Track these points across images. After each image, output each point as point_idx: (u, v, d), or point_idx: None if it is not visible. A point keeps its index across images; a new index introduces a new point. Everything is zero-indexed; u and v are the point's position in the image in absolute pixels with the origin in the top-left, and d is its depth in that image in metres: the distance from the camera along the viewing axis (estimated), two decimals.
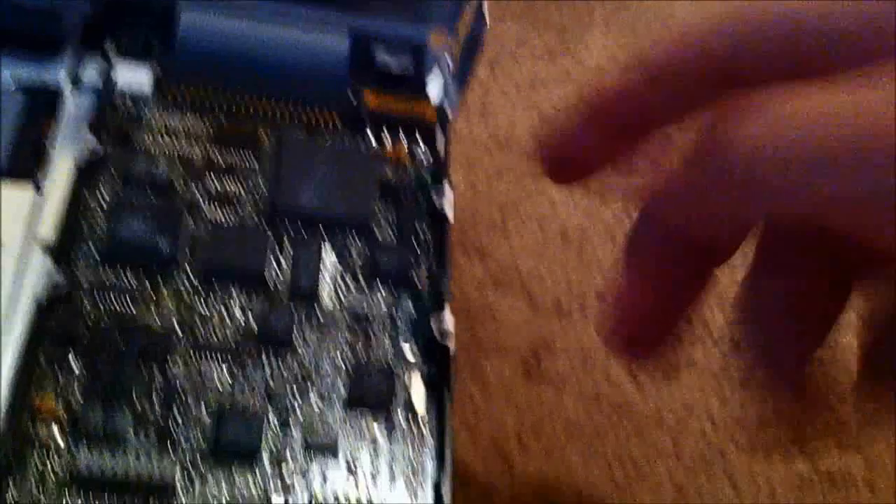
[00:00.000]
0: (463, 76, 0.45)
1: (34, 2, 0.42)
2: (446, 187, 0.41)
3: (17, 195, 0.37)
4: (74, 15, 0.42)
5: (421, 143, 0.43)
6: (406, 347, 0.36)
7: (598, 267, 0.47)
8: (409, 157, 0.42)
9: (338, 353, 0.36)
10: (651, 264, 0.31)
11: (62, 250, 0.35)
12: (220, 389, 0.34)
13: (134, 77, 0.41)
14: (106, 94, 0.40)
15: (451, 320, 0.37)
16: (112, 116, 0.40)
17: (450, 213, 0.40)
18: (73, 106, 0.41)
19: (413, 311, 0.38)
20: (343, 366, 0.36)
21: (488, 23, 0.43)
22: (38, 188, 0.38)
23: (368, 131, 0.42)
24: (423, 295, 0.38)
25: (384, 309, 0.37)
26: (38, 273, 0.35)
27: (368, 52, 0.45)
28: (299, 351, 0.36)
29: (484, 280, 0.45)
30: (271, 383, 0.34)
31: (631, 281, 0.31)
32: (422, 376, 0.36)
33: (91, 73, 0.41)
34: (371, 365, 0.36)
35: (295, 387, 0.35)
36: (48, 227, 0.36)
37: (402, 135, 0.43)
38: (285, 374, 0.35)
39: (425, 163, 0.42)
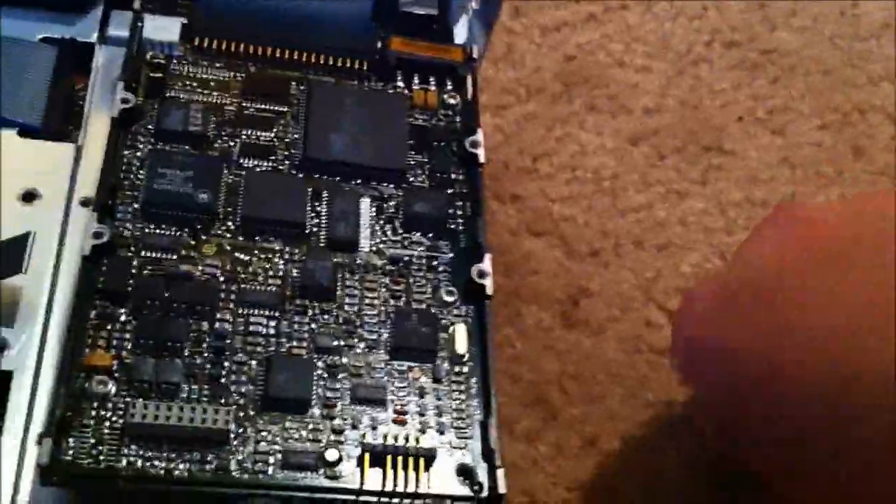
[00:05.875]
0: (489, 18, 0.45)
1: None
2: (478, 132, 0.40)
3: (56, 152, 0.37)
4: None
5: (450, 88, 0.42)
6: (446, 293, 0.36)
7: (632, 210, 0.47)
8: (438, 102, 0.42)
9: (380, 301, 0.36)
10: None
11: (103, 205, 0.35)
12: (268, 340, 0.34)
13: (162, 29, 0.41)
14: (135, 46, 0.40)
15: (489, 262, 0.37)
16: (143, 69, 0.39)
17: (482, 158, 0.40)
18: (106, 61, 0.40)
19: (451, 257, 0.38)
20: (386, 314, 0.36)
21: None
22: (76, 144, 0.38)
23: (397, 77, 0.42)
24: (459, 241, 0.38)
25: (422, 256, 0.37)
26: (81, 229, 0.35)
27: None
28: (342, 301, 0.36)
29: (518, 226, 0.45)
30: (317, 333, 0.35)
31: None
32: (463, 320, 0.36)
33: (119, 26, 0.41)
34: (413, 312, 0.36)
35: (340, 336, 0.35)
36: (88, 182, 0.36)
37: (430, 80, 0.43)
38: (330, 324, 0.35)
39: (455, 108, 0.42)
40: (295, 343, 0.34)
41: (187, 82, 0.40)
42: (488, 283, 0.36)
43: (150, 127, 0.38)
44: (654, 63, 0.54)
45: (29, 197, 0.36)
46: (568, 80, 0.52)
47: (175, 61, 0.40)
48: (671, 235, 0.46)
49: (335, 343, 0.34)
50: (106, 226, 0.34)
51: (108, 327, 0.33)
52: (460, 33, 0.45)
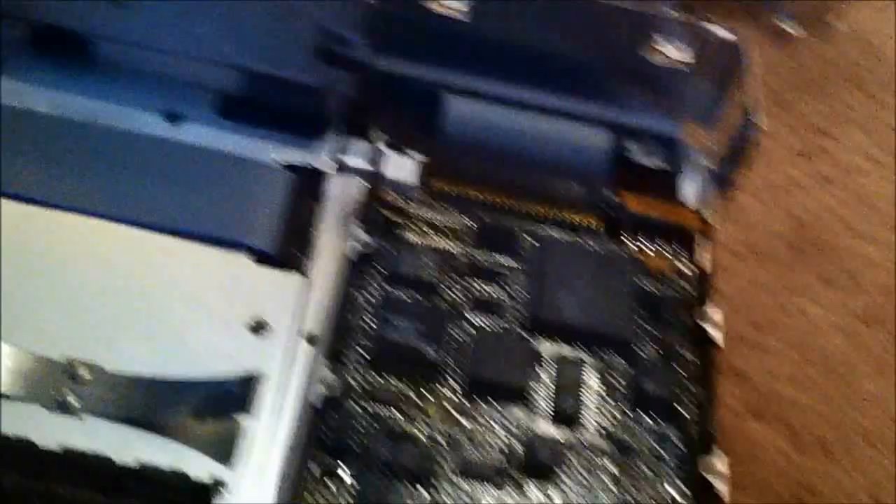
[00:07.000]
0: (725, 181, 0.43)
1: (301, 79, 0.42)
2: (713, 308, 0.38)
3: (284, 279, 0.37)
4: (339, 98, 0.42)
5: (683, 254, 0.41)
6: (674, 490, 0.34)
7: (865, 402, 0.44)
8: (670, 268, 0.40)
9: (603, 489, 0.34)
10: None
11: (333, 349, 0.34)
12: None
13: (399, 167, 0.41)
14: (373, 183, 0.40)
15: (724, 461, 0.34)
16: (378, 207, 0.39)
17: (718, 338, 0.38)
18: (338, 190, 0.40)
19: (679, 446, 0.35)
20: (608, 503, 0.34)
21: (760, 123, 0.40)
22: (305, 276, 0.37)
23: (627, 237, 0.41)
24: (689, 428, 0.36)
25: (649, 441, 0.35)
26: (305, 367, 0.34)
27: (622, 146, 0.43)
28: (562, 482, 0.34)
29: (741, 407, 0.42)
30: None
31: None
32: None
33: (355, 158, 0.41)
34: None
35: None
36: (314, 316, 0.36)
37: (663, 243, 0.41)
38: None
39: (688, 276, 0.40)
40: None
41: (421, 226, 0.39)
42: (722, 487, 0.34)
43: (381, 269, 0.37)
44: (891, 236, 0.51)
45: (258, 328, 0.36)
46: (799, 246, 0.50)
47: (411, 203, 0.40)
48: None
49: None
50: (336, 376, 0.34)
51: (328, 484, 0.32)
52: (691, 188, 0.43)
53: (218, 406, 0.33)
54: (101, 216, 0.37)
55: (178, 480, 0.30)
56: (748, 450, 0.41)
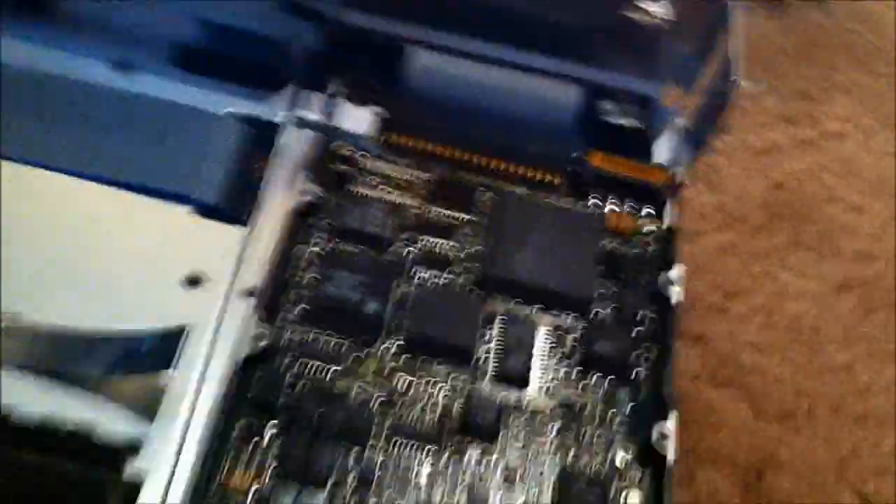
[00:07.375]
0: (699, 139, 0.41)
1: (262, 30, 0.40)
2: (676, 268, 0.37)
3: (227, 233, 0.36)
4: (300, 50, 0.41)
5: (649, 213, 0.39)
6: (620, 454, 0.33)
7: (831, 370, 0.42)
8: (634, 227, 0.39)
9: (546, 452, 0.33)
10: None
11: (269, 303, 0.33)
12: (420, 484, 0.31)
13: (355, 119, 0.39)
14: (327, 136, 0.38)
15: (674, 423, 0.33)
16: (331, 160, 0.38)
17: (679, 299, 0.36)
18: (291, 143, 0.39)
19: (629, 409, 0.34)
20: (551, 469, 0.32)
21: (739, 83, 0.38)
22: (248, 228, 0.36)
23: (592, 195, 0.39)
24: (641, 391, 0.34)
25: (598, 404, 0.34)
26: (238, 321, 0.33)
27: (595, 104, 0.42)
28: (505, 445, 0.32)
29: (701, 372, 0.41)
30: (474, 483, 0.31)
31: None
32: (636, 486, 0.32)
33: (311, 111, 0.39)
34: (581, 473, 0.32)
35: (499, 490, 0.31)
36: (253, 270, 0.35)
37: (628, 201, 0.39)
38: (489, 473, 0.32)
39: (652, 236, 0.38)
40: (449, 486, 0.31)
41: (372, 178, 0.38)
42: (671, 448, 0.32)
43: (327, 221, 0.36)
44: (869, 202, 0.49)
45: (194, 281, 0.34)
46: (773, 210, 0.48)
47: (365, 156, 0.38)
48: (873, 406, 0.41)
49: (493, 495, 0.31)
50: (267, 329, 0.32)
51: (254, 442, 0.31)
52: (663, 149, 0.42)
53: (140, 360, 0.31)
54: (42, 166, 0.35)
55: (85, 435, 0.29)
56: (707, 417, 0.40)
